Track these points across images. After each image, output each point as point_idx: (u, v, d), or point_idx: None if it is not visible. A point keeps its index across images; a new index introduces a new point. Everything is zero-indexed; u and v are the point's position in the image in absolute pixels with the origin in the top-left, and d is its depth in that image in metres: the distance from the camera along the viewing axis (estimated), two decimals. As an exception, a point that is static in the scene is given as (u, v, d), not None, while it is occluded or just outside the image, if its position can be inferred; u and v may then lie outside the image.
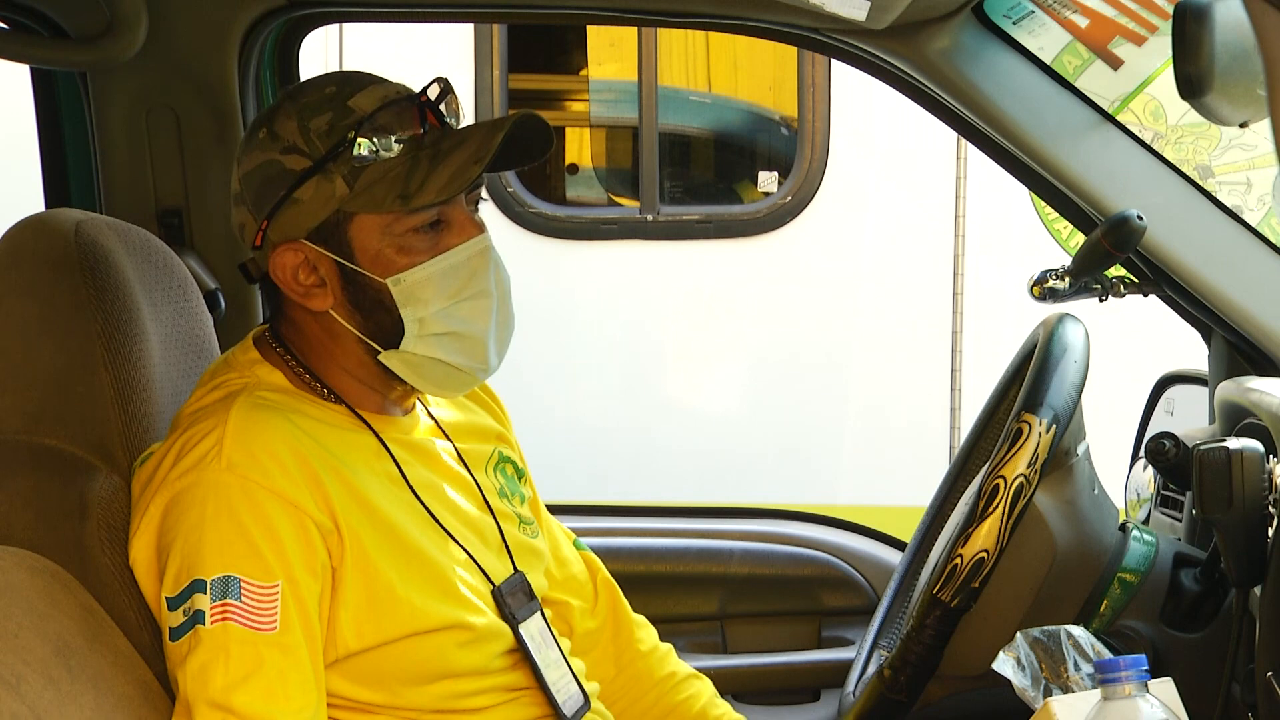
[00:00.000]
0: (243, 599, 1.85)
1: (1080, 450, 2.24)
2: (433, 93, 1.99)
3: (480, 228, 2.00)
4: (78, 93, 2.81)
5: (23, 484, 1.97)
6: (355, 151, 1.94)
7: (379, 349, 2.00)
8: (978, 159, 3.68)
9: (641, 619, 2.36)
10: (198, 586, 1.85)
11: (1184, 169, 2.69)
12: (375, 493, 1.97)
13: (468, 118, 2.02)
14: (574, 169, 5.69)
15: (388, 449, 2.02)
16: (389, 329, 1.99)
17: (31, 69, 2.86)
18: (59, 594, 1.86)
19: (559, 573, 2.26)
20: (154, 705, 1.90)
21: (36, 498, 1.96)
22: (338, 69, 3.20)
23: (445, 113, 1.99)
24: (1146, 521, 2.63)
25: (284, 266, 1.99)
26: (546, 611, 2.15)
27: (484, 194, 2.06)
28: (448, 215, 1.98)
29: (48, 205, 2.87)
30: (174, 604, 1.87)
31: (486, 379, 2.09)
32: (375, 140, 1.95)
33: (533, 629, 2.07)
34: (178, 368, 2.15)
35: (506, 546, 2.10)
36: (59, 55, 2.70)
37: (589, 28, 5.41)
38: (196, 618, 1.85)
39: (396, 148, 1.95)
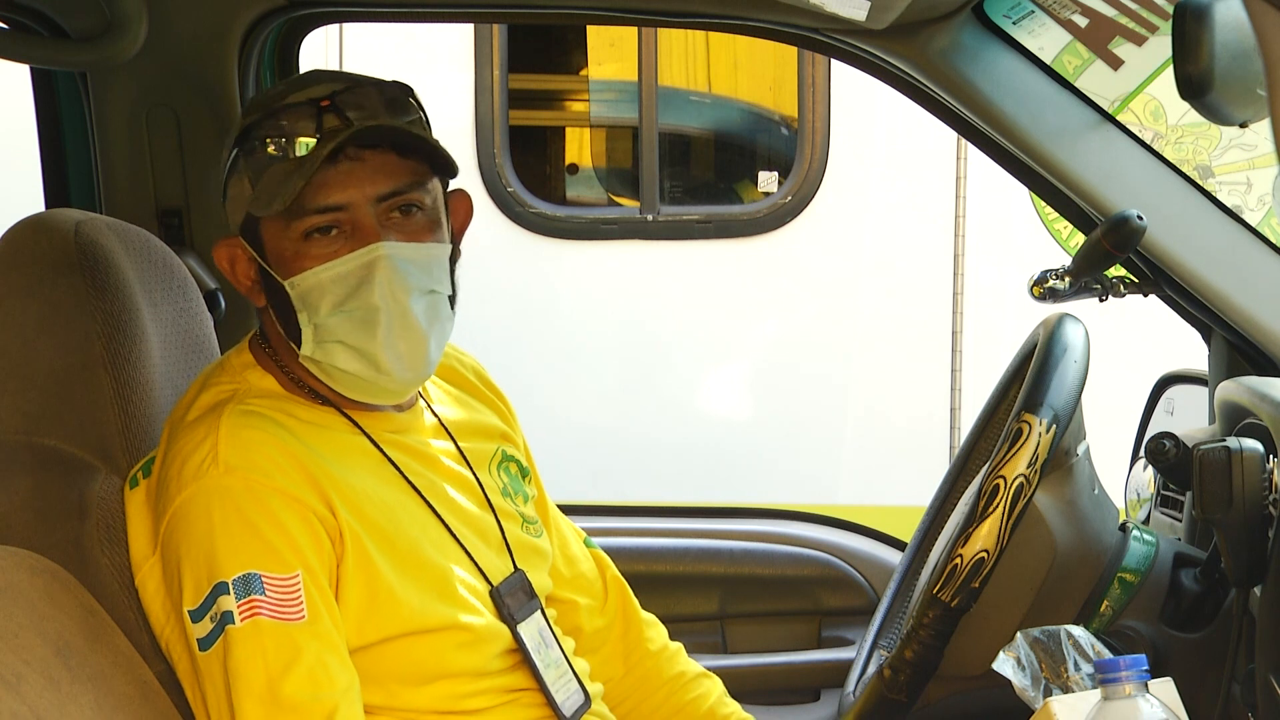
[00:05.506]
0: (267, 593, 1.84)
1: (1080, 450, 2.24)
2: (345, 96, 1.91)
3: (377, 236, 1.91)
4: (78, 93, 2.81)
5: (23, 484, 1.97)
6: (266, 151, 1.91)
7: (298, 350, 1.98)
8: (978, 159, 3.68)
9: (651, 617, 2.35)
10: (220, 589, 1.85)
11: (1184, 169, 2.69)
12: (371, 493, 1.96)
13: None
14: (574, 169, 5.68)
15: (380, 449, 2.01)
16: (298, 331, 1.96)
17: (31, 69, 2.85)
18: (59, 594, 1.86)
19: (567, 570, 2.26)
20: (154, 705, 1.90)
21: (36, 498, 1.96)
22: (338, 70, 3.19)
23: (348, 114, 1.90)
24: (1146, 521, 2.63)
25: (220, 258, 2.01)
26: (551, 611, 2.14)
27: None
28: (353, 220, 1.92)
29: (48, 205, 2.86)
30: (198, 614, 1.87)
31: (407, 389, 2.02)
32: (271, 142, 1.91)
33: (532, 629, 2.06)
34: (178, 368, 2.15)
35: (507, 545, 2.09)
36: (59, 55, 2.70)
37: (589, 28, 5.41)
38: (225, 619, 1.84)
39: (299, 149, 1.90)
